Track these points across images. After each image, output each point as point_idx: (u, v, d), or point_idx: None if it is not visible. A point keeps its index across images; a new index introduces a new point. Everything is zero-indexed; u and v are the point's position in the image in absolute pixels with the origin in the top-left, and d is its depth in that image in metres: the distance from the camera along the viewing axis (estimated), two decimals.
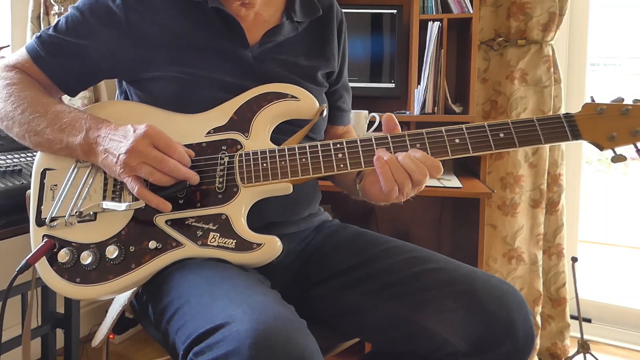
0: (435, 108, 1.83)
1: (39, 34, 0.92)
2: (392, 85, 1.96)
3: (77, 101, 1.77)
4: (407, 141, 0.81)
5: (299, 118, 0.89)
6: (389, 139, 0.81)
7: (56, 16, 1.76)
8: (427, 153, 0.80)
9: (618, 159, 0.78)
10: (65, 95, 0.97)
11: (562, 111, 1.89)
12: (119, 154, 0.78)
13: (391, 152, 0.80)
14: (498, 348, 0.77)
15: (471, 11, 1.79)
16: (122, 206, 0.81)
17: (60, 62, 0.91)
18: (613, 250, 3.02)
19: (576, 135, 0.78)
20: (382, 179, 0.79)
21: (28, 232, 0.86)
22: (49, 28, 0.92)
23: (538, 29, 1.85)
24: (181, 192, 0.81)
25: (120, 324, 2.05)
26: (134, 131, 0.79)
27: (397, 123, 0.84)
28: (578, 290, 1.73)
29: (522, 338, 0.77)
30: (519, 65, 1.91)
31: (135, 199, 0.82)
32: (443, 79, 1.83)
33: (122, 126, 0.81)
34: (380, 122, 1.71)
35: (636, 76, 2.35)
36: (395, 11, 1.96)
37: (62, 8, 1.74)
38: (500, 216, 1.97)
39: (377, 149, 0.81)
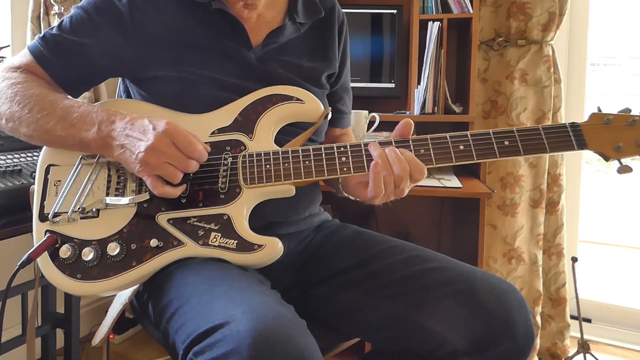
0: (435, 108, 1.83)
1: (42, 34, 0.91)
2: (392, 85, 1.96)
3: None
4: (412, 146, 0.81)
5: (304, 121, 0.90)
6: (393, 143, 0.82)
7: (56, 16, 1.76)
8: (432, 159, 0.80)
9: (624, 169, 0.78)
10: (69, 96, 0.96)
11: (562, 111, 1.91)
12: (138, 152, 0.77)
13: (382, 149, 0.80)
14: (497, 347, 0.77)
15: (471, 11, 1.79)
16: (124, 200, 0.81)
17: (64, 62, 0.90)
18: (613, 250, 3.02)
19: (582, 145, 0.78)
20: (372, 183, 0.79)
21: (28, 232, 0.86)
22: (53, 28, 0.91)
23: (538, 29, 1.86)
24: (185, 191, 0.82)
25: (120, 324, 2.05)
26: (153, 128, 0.77)
27: (410, 132, 0.83)
28: (578, 290, 1.73)
29: (521, 337, 0.77)
30: (519, 65, 1.91)
31: (138, 194, 0.82)
32: (443, 79, 1.83)
33: (139, 120, 0.79)
34: (380, 122, 1.72)
35: (636, 76, 2.35)
36: (395, 11, 1.96)
37: (62, 8, 1.74)
38: (500, 216, 1.97)
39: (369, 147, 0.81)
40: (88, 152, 0.86)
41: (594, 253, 2.91)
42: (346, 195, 0.97)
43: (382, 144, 0.82)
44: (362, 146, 0.82)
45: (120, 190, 0.84)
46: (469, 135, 0.80)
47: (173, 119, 0.88)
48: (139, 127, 0.78)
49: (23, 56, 0.91)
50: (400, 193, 0.82)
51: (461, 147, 0.80)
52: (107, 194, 0.84)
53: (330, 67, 1.03)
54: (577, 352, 1.74)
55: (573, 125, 0.79)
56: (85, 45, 0.90)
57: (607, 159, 0.78)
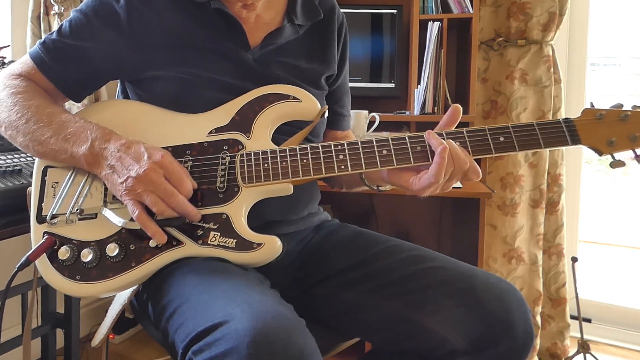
0: (435, 108, 1.83)
1: (42, 40, 0.91)
2: (392, 85, 1.96)
3: None
4: (408, 144, 0.81)
5: (301, 119, 0.90)
6: (390, 141, 0.82)
7: (56, 16, 1.76)
8: (428, 156, 0.80)
9: (617, 164, 0.78)
10: (70, 101, 0.96)
11: (562, 111, 1.91)
12: (128, 177, 0.76)
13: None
14: (497, 346, 0.77)
15: (471, 11, 1.79)
16: (118, 221, 0.81)
17: (64, 68, 0.90)
18: (613, 250, 3.02)
19: (575, 140, 0.79)
20: (436, 168, 0.77)
21: (28, 232, 0.86)
22: (52, 33, 0.91)
23: (538, 29, 1.86)
24: (177, 225, 0.80)
25: (120, 324, 2.05)
26: (148, 157, 0.77)
27: (459, 118, 0.83)
28: (578, 290, 1.73)
29: (521, 337, 0.77)
30: (519, 65, 1.91)
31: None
32: (443, 79, 1.83)
33: (135, 145, 0.79)
34: (379, 122, 1.73)
35: (636, 76, 2.35)
36: (395, 11, 1.96)
37: (62, 8, 1.74)
38: (500, 216, 1.97)
39: (411, 151, 0.80)
40: (78, 167, 0.85)
41: (594, 253, 2.91)
42: (369, 185, 0.95)
43: (379, 142, 0.82)
44: (360, 144, 0.82)
45: None
46: (464, 132, 0.81)
47: (171, 118, 0.89)
48: (134, 153, 0.78)
49: (24, 63, 0.92)
50: (447, 187, 0.82)
51: (457, 144, 0.80)
52: (105, 196, 0.84)
53: (329, 69, 1.03)
54: (577, 352, 1.74)
55: (567, 120, 0.80)
56: (85, 49, 0.90)
57: (600, 153, 0.79)
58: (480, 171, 0.80)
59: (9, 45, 1.74)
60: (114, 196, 0.84)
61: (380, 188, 0.94)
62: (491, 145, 0.80)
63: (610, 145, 0.78)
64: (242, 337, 0.59)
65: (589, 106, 0.80)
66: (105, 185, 0.84)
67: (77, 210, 0.83)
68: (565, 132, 0.79)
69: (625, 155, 0.79)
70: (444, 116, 0.84)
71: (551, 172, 1.94)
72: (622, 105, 0.79)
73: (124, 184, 0.77)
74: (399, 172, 0.85)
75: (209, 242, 0.80)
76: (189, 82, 0.89)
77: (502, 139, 0.80)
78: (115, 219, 0.81)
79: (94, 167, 0.81)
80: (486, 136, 0.80)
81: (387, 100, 2.05)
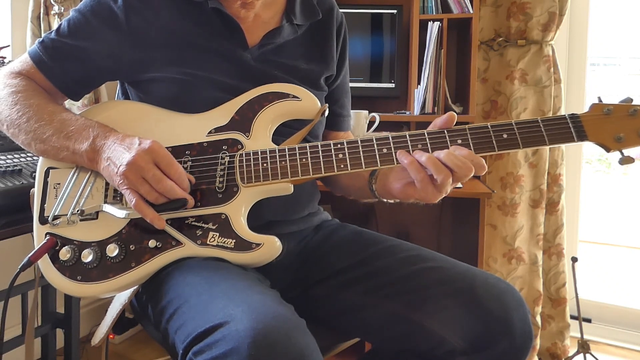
0: (435, 108, 1.83)
1: (41, 39, 0.92)
2: (392, 85, 1.96)
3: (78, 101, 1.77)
4: (409, 142, 0.80)
5: (301, 118, 0.89)
6: (390, 139, 0.81)
7: (56, 16, 1.76)
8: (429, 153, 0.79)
9: (626, 160, 0.75)
10: (69, 99, 0.97)
11: (562, 111, 1.90)
12: (120, 165, 0.77)
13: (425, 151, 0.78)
14: (495, 346, 0.77)
15: (471, 11, 1.79)
16: (121, 213, 0.81)
17: (62, 67, 0.91)
18: (613, 250, 3.02)
19: (582, 137, 0.75)
20: (418, 184, 0.77)
21: (28, 232, 0.87)
22: (51, 32, 0.92)
23: (538, 29, 1.86)
24: (178, 210, 0.80)
25: (120, 324, 2.05)
26: (139, 144, 0.78)
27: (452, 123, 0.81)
28: (578, 290, 1.73)
29: (519, 336, 0.77)
30: (519, 65, 1.91)
31: None
32: (443, 79, 1.83)
33: (129, 137, 0.81)
34: (379, 122, 1.73)
35: (636, 76, 2.35)
36: (395, 11, 1.96)
37: (62, 8, 1.74)
38: (500, 216, 1.97)
39: (412, 150, 0.79)
40: (79, 164, 0.86)
41: (594, 253, 2.91)
42: (379, 197, 0.93)
43: (379, 140, 0.81)
44: (359, 142, 0.82)
45: (119, 193, 0.84)
46: (467, 129, 0.79)
47: (170, 119, 0.89)
48: (127, 143, 0.80)
49: (24, 61, 0.92)
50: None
51: (459, 142, 0.78)
52: (106, 196, 0.84)
53: (328, 70, 1.03)
54: (577, 352, 1.74)
55: (572, 116, 0.76)
56: (83, 48, 0.90)
57: (608, 150, 0.76)
58: (485, 164, 0.77)
59: (9, 45, 1.74)
60: (114, 195, 0.84)
61: (389, 202, 0.92)
62: (494, 142, 0.77)
63: (618, 141, 0.75)
64: (242, 337, 0.59)
65: (595, 101, 0.77)
66: (105, 185, 0.85)
67: (78, 211, 0.83)
68: (571, 128, 0.76)
69: (633, 151, 0.76)
70: (438, 119, 0.82)
71: (551, 172, 1.94)
72: (631, 100, 0.76)
73: (118, 174, 0.78)
74: (404, 188, 0.84)
75: (208, 242, 0.80)
76: (188, 82, 0.89)
77: (505, 136, 0.77)
78: (117, 212, 0.81)
79: (94, 163, 0.83)
80: (489, 133, 0.78)
81: (387, 100, 2.05)
